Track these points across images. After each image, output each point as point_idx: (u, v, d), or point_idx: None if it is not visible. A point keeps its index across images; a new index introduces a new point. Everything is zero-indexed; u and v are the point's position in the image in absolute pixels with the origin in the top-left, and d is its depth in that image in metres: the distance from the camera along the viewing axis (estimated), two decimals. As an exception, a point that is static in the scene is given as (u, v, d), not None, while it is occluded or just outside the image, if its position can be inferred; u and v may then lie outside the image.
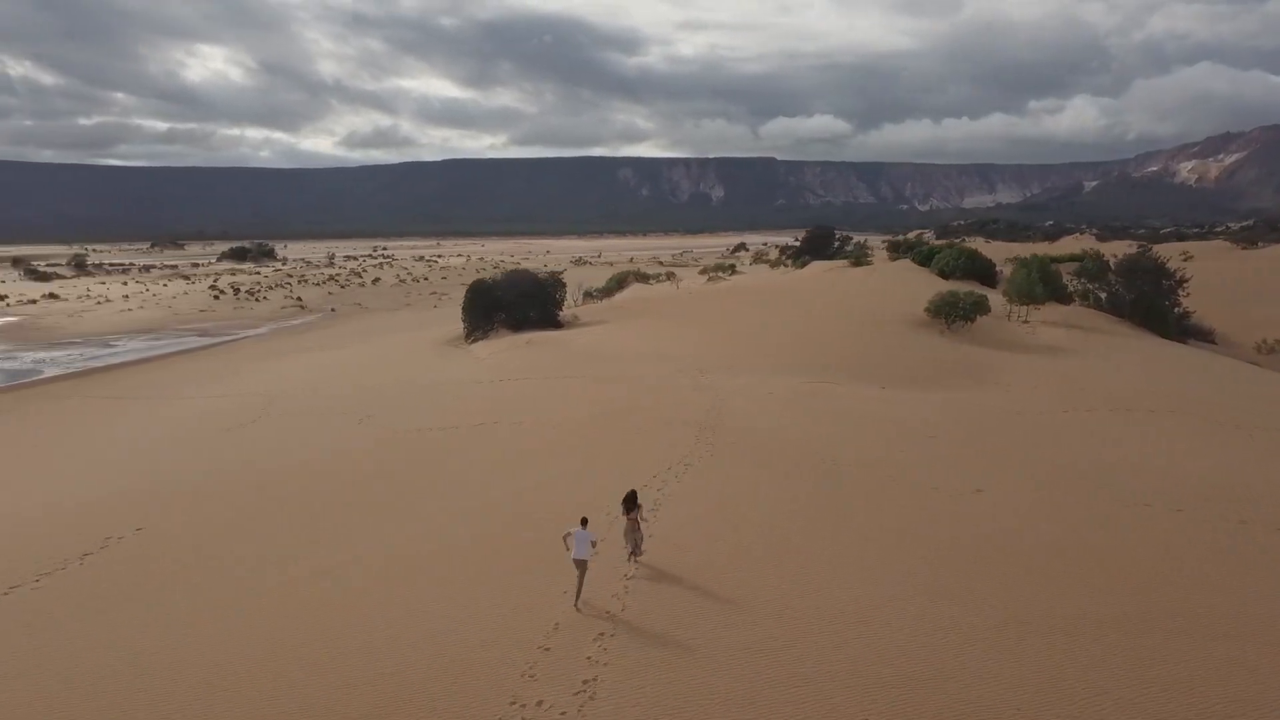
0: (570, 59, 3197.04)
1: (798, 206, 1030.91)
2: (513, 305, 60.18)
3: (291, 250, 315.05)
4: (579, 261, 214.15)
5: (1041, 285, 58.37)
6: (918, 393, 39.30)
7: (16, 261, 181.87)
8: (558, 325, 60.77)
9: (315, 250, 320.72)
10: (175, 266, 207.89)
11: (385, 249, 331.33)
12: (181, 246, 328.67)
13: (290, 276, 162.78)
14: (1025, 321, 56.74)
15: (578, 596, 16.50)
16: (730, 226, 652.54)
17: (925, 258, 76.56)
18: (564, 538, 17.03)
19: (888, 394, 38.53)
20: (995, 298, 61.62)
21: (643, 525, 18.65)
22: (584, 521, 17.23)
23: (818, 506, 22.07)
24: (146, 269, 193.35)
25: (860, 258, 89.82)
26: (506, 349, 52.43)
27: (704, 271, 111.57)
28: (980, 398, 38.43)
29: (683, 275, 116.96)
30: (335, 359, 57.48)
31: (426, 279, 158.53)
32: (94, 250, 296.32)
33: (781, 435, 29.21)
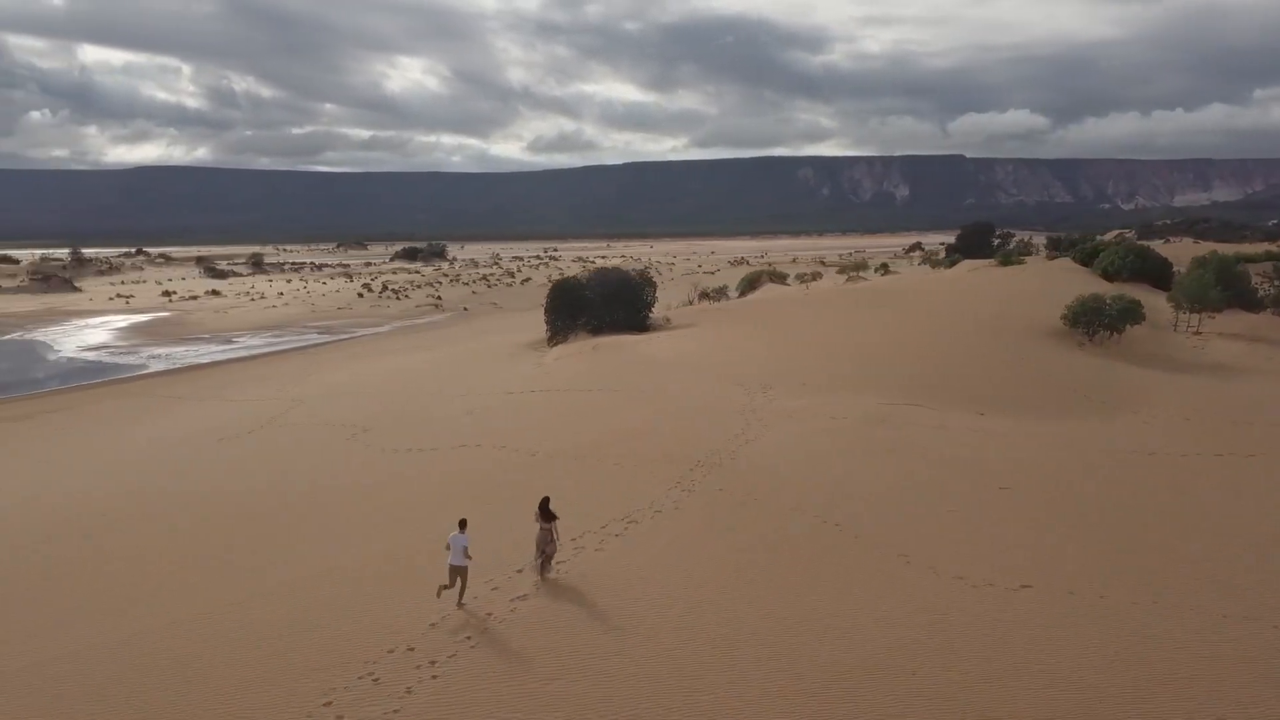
0: (753, 59, 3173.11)
1: (987, 206, 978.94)
2: (595, 306, 55.15)
3: (468, 251, 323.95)
4: (738, 262, 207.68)
5: (1218, 287, 47.88)
6: (1026, 421, 31.53)
7: (200, 260, 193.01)
8: (643, 328, 55.30)
9: (489, 251, 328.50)
10: (347, 266, 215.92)
11: (555, 250, 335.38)
12: (365, 247, 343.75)
13: (446, 276, 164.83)
14: (1196, 333, 46.58)
15: (460, 597, 15.91)
16: (913, 226, 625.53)
17: (1087, 256, 66.08)
18: (445, 546, 16.22)
19: (983, 423, 30.96)
20: (1165, 304, 51.37)
21: (557, 539, 17.11)
22: (462, 524, 16.37)
23: (744, 598, 15.77)
24: (319, 268, 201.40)
25: (1009, 257, 79.31)
26: (573, 354, 47.50)
27: (842, 271, 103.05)
28: (1107, 431, 30.31)
29: (832, 276, 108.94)
30: (408, 362, 54.33)
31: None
32: (285, 250, 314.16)
33: (794, 480, 22.81)
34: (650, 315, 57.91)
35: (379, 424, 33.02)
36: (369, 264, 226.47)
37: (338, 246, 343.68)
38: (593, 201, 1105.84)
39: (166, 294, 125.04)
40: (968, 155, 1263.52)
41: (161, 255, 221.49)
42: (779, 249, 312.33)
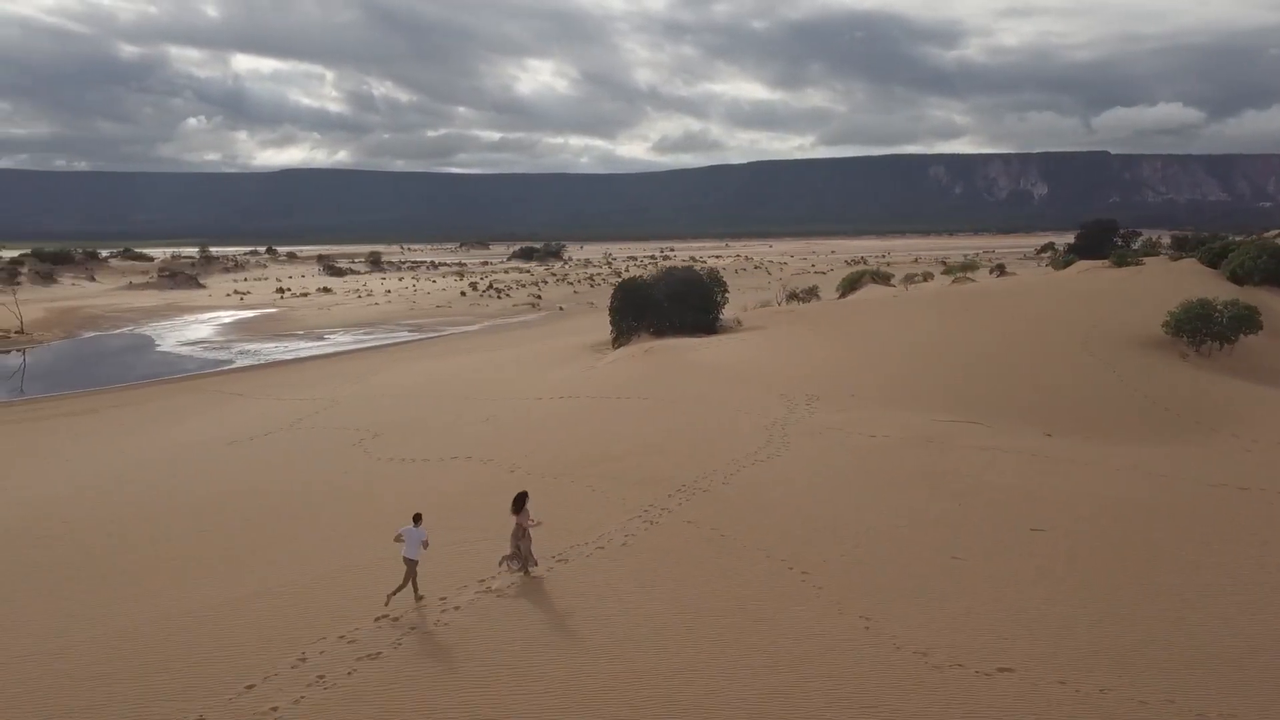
0: (883, 55, 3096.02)
1: (1133, 204, 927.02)
2: (662, 307, 52.67)
3: (586, 251, 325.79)
4: (856, 262, 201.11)
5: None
6: (1100, 444, 27.55)
7: (321, 258, 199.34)
8: (710, 331, 52.53)
9: (606, 251, 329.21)
10: (464, 265, 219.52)
11: (671, 250, 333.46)
12: (486, 246, 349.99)
13: (554, 275, 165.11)
14: (1332, 345, 40.67)
15: (414, 591, 15.63)
16: (1051, 226, 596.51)
17: (1215, 257, 59.44)
18: (395, 537, 16.07)
19: (1048, 445, 27.15)
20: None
21: (532, 533, 16.60)
22: (417, 518, 16.05)
23: (647, 670, 13.03)
24: (435, 267, 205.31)
25: (1124, 257, 72.54)
26: (627, 357, 45.18)
27: (948, 272, 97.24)
28: (1198, 458, 26.10)
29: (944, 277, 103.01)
30: (468, 363, 53.12)
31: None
32: (410, 249, 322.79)
33: (781, 512, 19.98)
34: (720, 317, 55.09)
35: (391, 430, 31.49)
36: (485, 263, 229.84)
37: (460, 246, 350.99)
38: (716, 201, 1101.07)
39: (280, 291, 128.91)
40: (1112, 151, 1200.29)
41: (289, 253, 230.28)
42: (903, 249, 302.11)
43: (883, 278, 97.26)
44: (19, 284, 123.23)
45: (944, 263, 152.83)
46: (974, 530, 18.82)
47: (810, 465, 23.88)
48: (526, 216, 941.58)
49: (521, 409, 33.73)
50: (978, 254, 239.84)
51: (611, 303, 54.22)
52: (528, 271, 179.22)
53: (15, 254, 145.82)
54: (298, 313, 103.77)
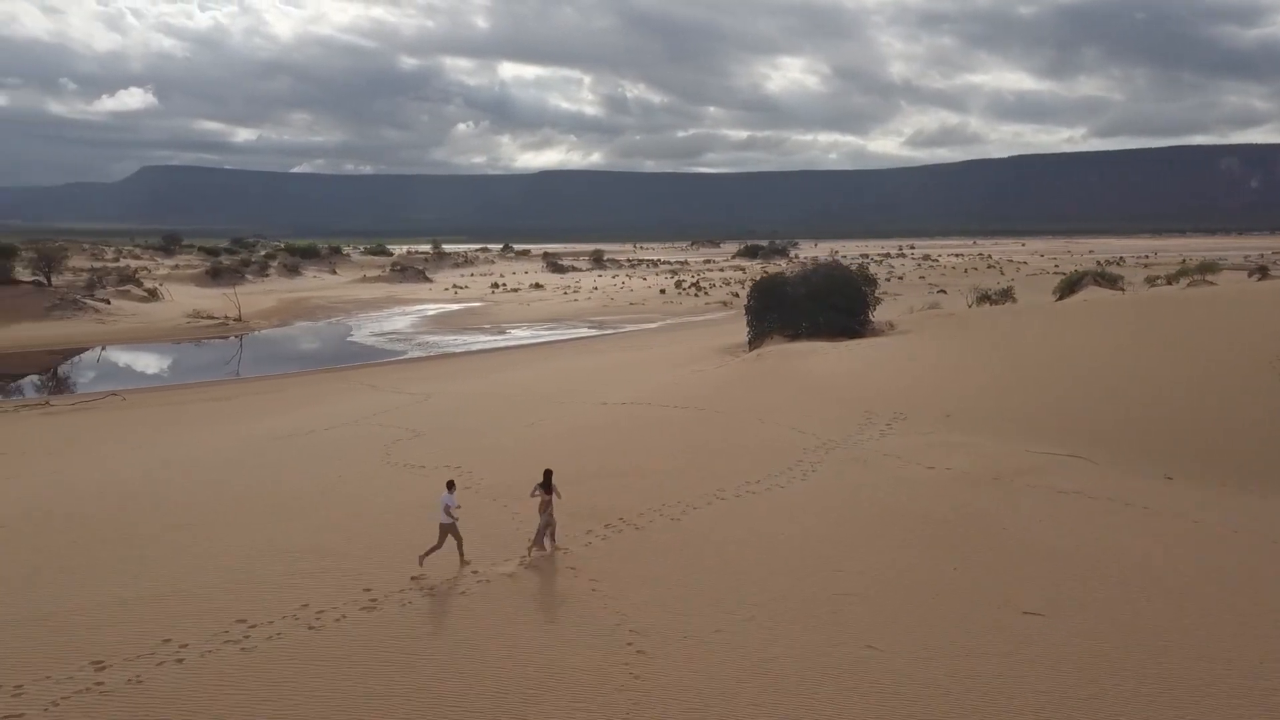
0: (1169, 36, 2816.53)
1: None
2: (797, 307, 48.50)
3: (820, 249, 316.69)
4: (1111, 262, 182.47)
5: None
6: (1226, 493, 21.55)
7: (546, 255, 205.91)
8: (854, 333, 47.79)
9: (834, 249, 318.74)
10: (684, 263, 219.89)
11: (911, 248, 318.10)
12: (717, 245, 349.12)
13: (766, 273, 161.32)
14: None
15: (460, 555, 16.53)
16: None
17: None
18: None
19: (1154, 490, 21.64)
20: None
21: (554, 512, 17.10)
22: (450, 485, 17.17)
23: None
24: (655, 264, 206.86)
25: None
26: (740, 361, 41.85)
27: (1183, 273, 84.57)
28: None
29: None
30: (594, 363, 51.64)
31: (902, 278, 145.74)
32: (643, 248, 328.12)
33: (694, 567, 16.41)
34: (870, 319, 50.09)
35: (434, 432, 30.19)
36: (708, 261, 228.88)
37: (692, 244, 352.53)
38: (972, 197, 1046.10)
39: (495, 286, 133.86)
40: None
41: (524, 250, 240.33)
42: (1175, 249, 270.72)
43: (1109, 280, 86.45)
44: (268, 275, 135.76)
45: (1182, 262, 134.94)
46: (949, 609, 14.43)
47: (814, 502, 19.97)
48: (772, 215, 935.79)
49: (578, 415, 31.42)
50: (1261, 255, 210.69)
51: (748, 302, 50.62)
52: (743, 270, 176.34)
53: (267, 250, 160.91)
54: (499, 308, 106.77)
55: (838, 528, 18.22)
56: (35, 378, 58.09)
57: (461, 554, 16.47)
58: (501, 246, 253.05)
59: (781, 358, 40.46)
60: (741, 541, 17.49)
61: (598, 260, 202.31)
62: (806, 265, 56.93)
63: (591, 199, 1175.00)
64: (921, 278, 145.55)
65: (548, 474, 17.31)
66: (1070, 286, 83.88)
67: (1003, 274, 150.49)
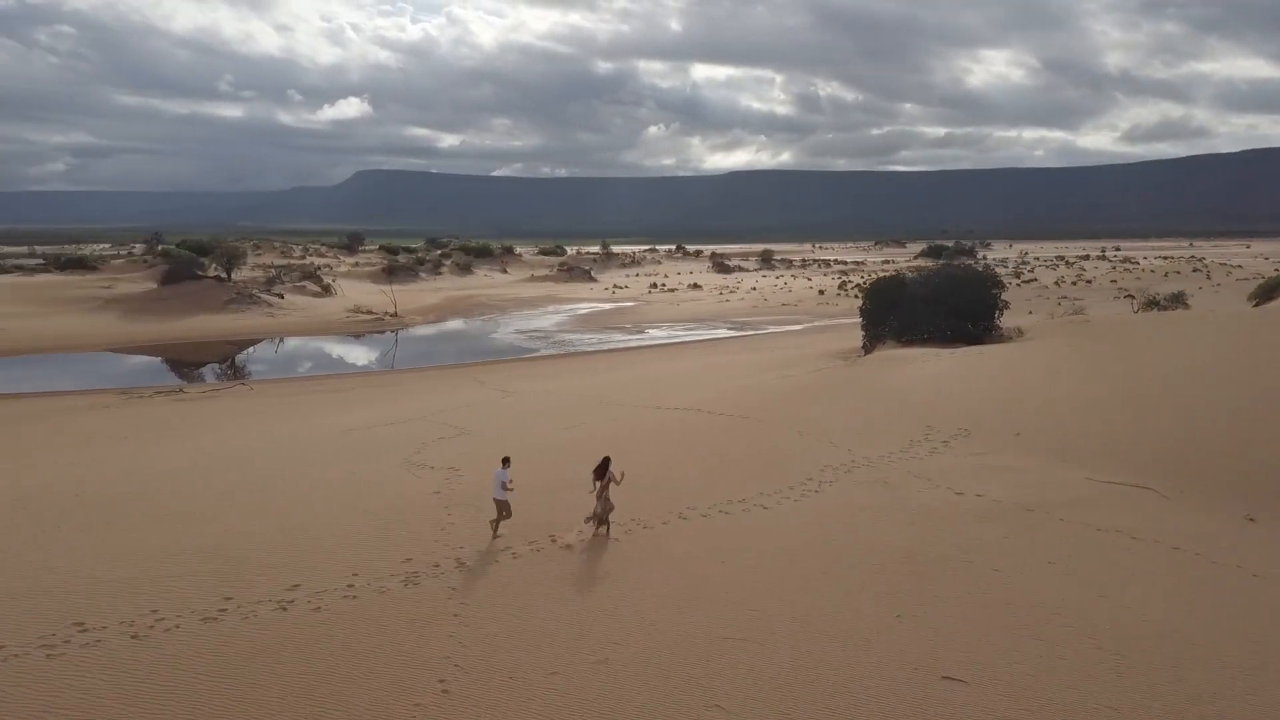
0: None
1: None
2: (914, 310, 45.18)
3: (1013, 250, 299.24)
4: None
5: None
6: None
7: (713, 255, 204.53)
8: (975, 339, 44.06)
9: (1024, 250, 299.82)
10: (861, 263, 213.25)
11: (1115, 250, 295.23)
12: (902, 244, 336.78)
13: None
14: None
15: (494, 528, 17.60)
16: None
17: None
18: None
19: (1238, 537, 18.30)
20: None
21: (612, 496, 17.74)
22: (505, 461, 18.06)
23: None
24: (827, 264, 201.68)
25: None
26: (836, 367, 39.38)
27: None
28: None
29: None
30: (695, 365, 50.27)
31: (1090, 282, 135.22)
32: (823, 248, 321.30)
33: (598, 590, 14.82)
34: (996, 324, 46.03)
35: (475, 432, 29.77)
36: (887, 262, 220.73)
37: (875, 244, 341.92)
38: (1195, 196, 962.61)
39: (653, 286, 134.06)
40: None
41: (696, 250, 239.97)
42: None
43: (1314, 286, 76.47)
44: (441, 273, 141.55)
45: None
46: (848, 667, 12.34)
47: (785, 528, 18.06)
48: (969, 215, 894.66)
49: (623, 420, 30.30)
50: None
51: (862, 304, 47.65)
52: (917, 272, 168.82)
53: (444, 249, 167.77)
54: (648, 308, 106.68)
55: (789, 562, 16.20)
56: (188, 365, 62.57)
57: (495, 528, 17.53)
58: (674, 247, 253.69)
59: (877, 364, 37.73)
60: (659, 570, 15.81)
61: (766, 260, 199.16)
62: (934, 268, 53.09)
63: (781, 199, 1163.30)
64: (1113, 281, 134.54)
65: (605, 461, 17.74)
66: (1268, 292, 75.01)
67: (1209, 278, 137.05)
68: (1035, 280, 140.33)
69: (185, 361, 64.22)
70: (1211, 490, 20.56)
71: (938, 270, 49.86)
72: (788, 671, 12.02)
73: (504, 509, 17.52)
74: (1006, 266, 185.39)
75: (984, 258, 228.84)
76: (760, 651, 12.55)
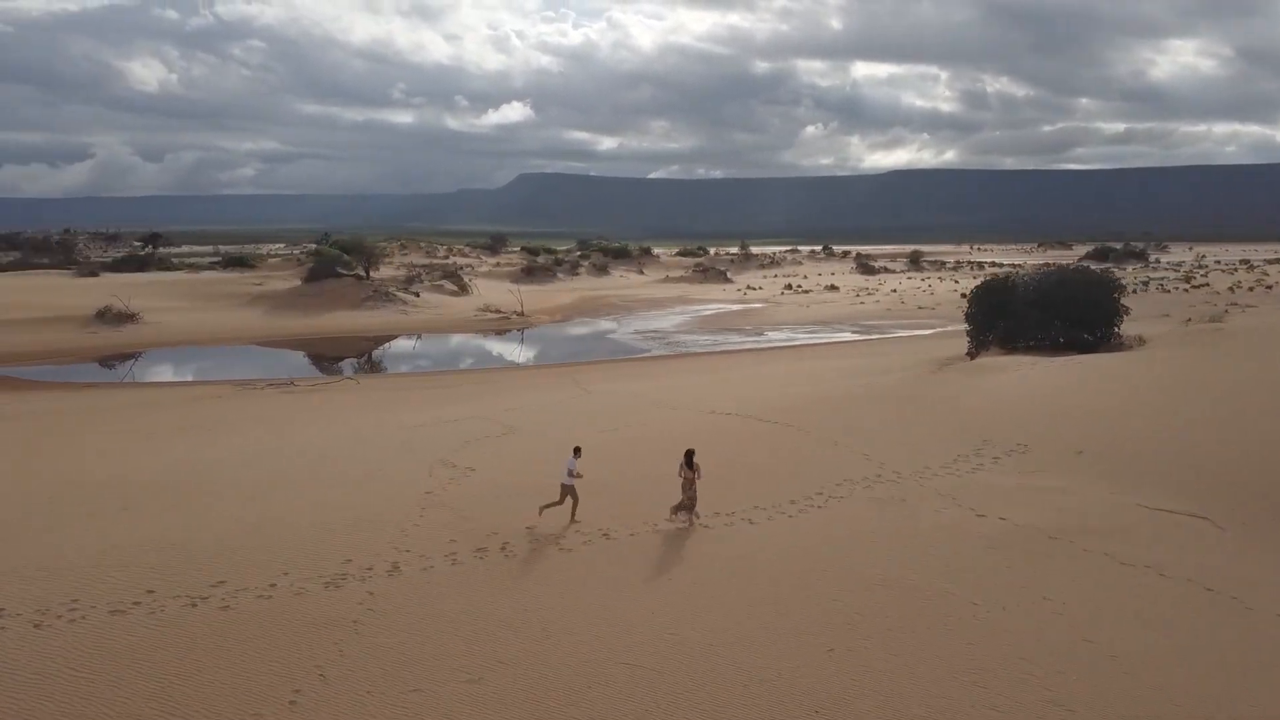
0: None
1: None
2: (1025, 316, 42.14)
3: (1193, 253, 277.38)
4: None
5: None
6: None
7: (858, 256, 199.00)
8: (1089, 347, 40.77)
9: (1202, 254, 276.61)
10: (1018, 266, 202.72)
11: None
12: (1069, 247, 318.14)
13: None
14: None
15: (572, 514, 18.43)
16: None
17: None
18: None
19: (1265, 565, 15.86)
20: None
21: (697, 487, 18.32)
22: (576, 450, 18.93)
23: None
24: (981, 266, 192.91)
25: None
26: (926, 374, 37.20)
27: None
28: None
29: None
30: (787, 370, 48.57)
31: (1251, 289, 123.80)
32: (980, 249, 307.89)
33: (487, 609, 14.10)
34: (1114, 331, 42.36)
35: (524, 432, 29.55)
36: (1047, 264, 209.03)
37: (1039, 246, 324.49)
38: None
39: (787, 287, 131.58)
40: None
41: (843, 251, 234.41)
42: None
43: None
44: (578, 274, 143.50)
45: None
46: (736, 708, 11.20)
47: (778, 546, 16.84)
48: (1151, 214, 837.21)
49: (669, 423, 29.52)
50: None
51: (967, 309, 44.80)
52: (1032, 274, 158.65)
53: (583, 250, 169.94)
54: (776, 309, 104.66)
55: (744, 586, 15.03)
56: (317, 359, 65.51)
57: (573, 514, 18.25)
58: (820, 247, 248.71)
59: (963, 373, 35.42)
60: (591, 587, 14.95)
61: (914, 262, 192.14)
62: (1046, 271, 49.35)
63: (942, 199, 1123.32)
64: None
65: (689, 453, 18.38)
66: None
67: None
68: (1207, 285, 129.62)
69: (316, 355, 67.31)
70: (1256, 514, 18.00)
71: (1049, 274, 46.32)
72: (668, 702, 11.02)
73: (567, 494, 18.22)
74: (1178, 270, 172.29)
75: (1156, 260, 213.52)
76: (655, 680, 11.59)
